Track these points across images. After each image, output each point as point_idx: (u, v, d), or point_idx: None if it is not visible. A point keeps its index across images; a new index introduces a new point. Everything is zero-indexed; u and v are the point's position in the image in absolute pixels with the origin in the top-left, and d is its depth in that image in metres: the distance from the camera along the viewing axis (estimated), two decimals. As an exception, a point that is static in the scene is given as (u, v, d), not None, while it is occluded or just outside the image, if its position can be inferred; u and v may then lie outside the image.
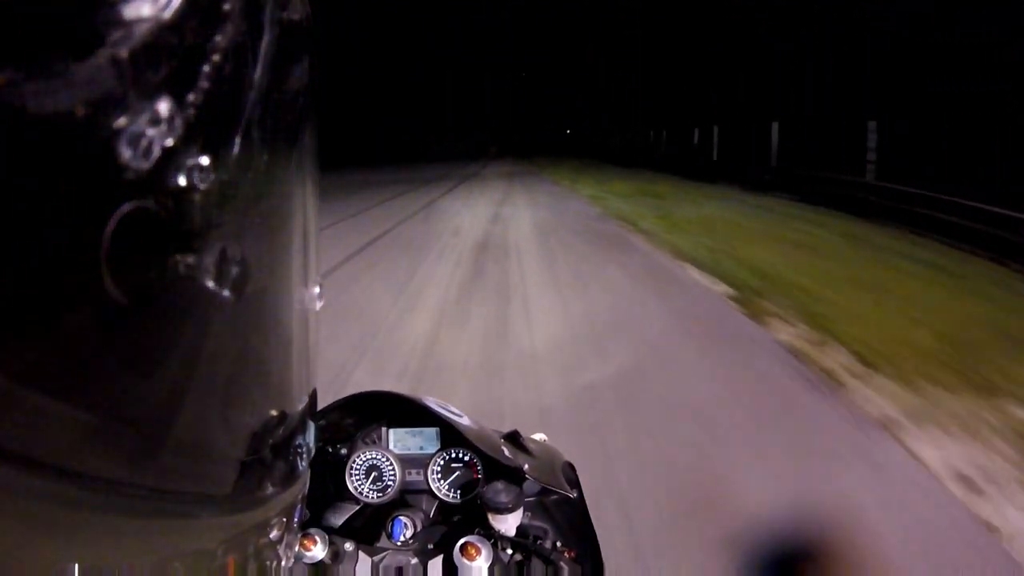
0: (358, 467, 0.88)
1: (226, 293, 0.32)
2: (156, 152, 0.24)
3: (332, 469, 0.87)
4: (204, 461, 0.33)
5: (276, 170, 0.38)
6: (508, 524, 0.73)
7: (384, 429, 0.91)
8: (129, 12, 0.23)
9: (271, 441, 0.43)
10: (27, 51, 0.19)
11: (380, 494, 0.86)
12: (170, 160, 0.25)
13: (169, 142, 0.25)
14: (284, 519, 0.47)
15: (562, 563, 0.72)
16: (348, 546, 0.77)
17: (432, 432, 0.90)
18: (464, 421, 0.86)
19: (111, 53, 0.22)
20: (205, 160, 0.28)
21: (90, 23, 0.22)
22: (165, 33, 0.24)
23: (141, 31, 0.23)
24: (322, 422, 0.84)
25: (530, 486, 0.82)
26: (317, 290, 0.51)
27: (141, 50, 0.23)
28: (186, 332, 0.30)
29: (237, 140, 0.31)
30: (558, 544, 0.76)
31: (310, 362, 0.49)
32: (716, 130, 18.02)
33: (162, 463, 0.29)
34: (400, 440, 0.90)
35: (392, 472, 0.87)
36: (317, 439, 0.82)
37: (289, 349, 0.44)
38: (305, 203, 0.44)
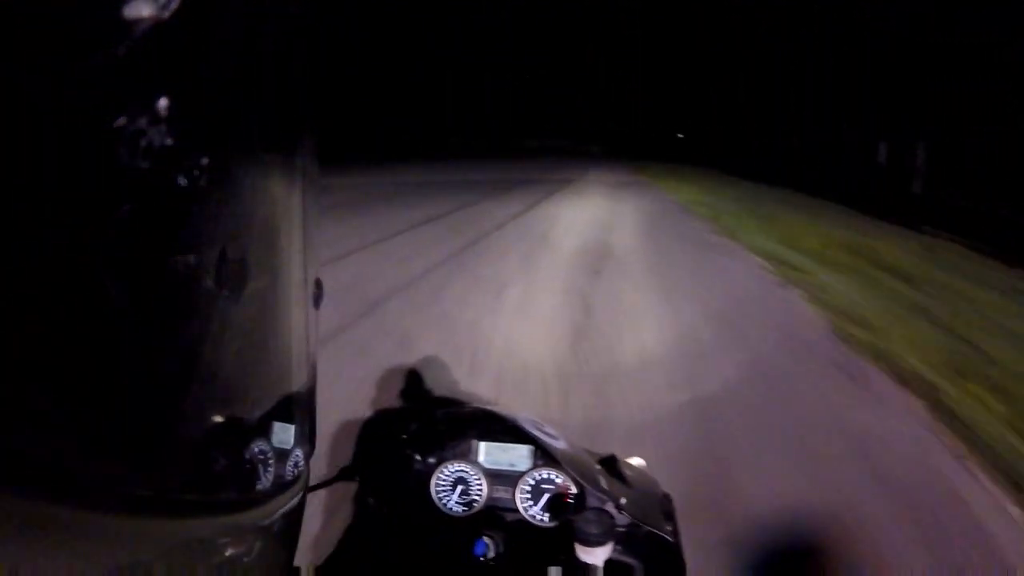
0: (444, 479, 0.85)
1: (226, 293, 0.32)
2: (156, 152, 0.24)
3: (416, 480, 0.85)
4: (202, 461, 0.34)
5: (276, 170, 0.38)
6: (596, 557, 0.70)
7: (475, 442, 0.88)
8: (129, 13, 0.23)
9: (271, 441, 0.43)
10: (27, 51, 0.19)
11: (465, 508, 0.84)
12: (170, 160, 0.25)
13: (169, 142, 0.25)
14: (284, 519, 0.47)
15: None
16: (426, 562, 0.77)
17: (525, 450, 0.86)
18: (559, 443, 0.83)
19: (111, 53, 0.22)
20: (205, 160, 0.28)
21: (90, 23, 0.22)
22: (165, 34, 0.24)
23: (141, 32, 0.23)
24: (413, 426, 0.84)
25: (622, 517, 0.78)
26: (317, 291, 0.51)
27: (141, 50, 0.23)
28: (185, 332, 0.30)
29: (237, 140, 0.31)
30: None
31: (310, 362, 0.49)
32: (921, 147, 11.50)
33: (160, 463, 0.29)
34: (491, 454, 0.87)
35: (479, 486, 0.85)
36: (409, 448, 0.82)
37: (289, 349, 0.44)
38: (305, 203, 0.44)
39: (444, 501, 0.84)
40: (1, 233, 0.20)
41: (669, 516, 0.84)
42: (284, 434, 0.45)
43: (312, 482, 0.57)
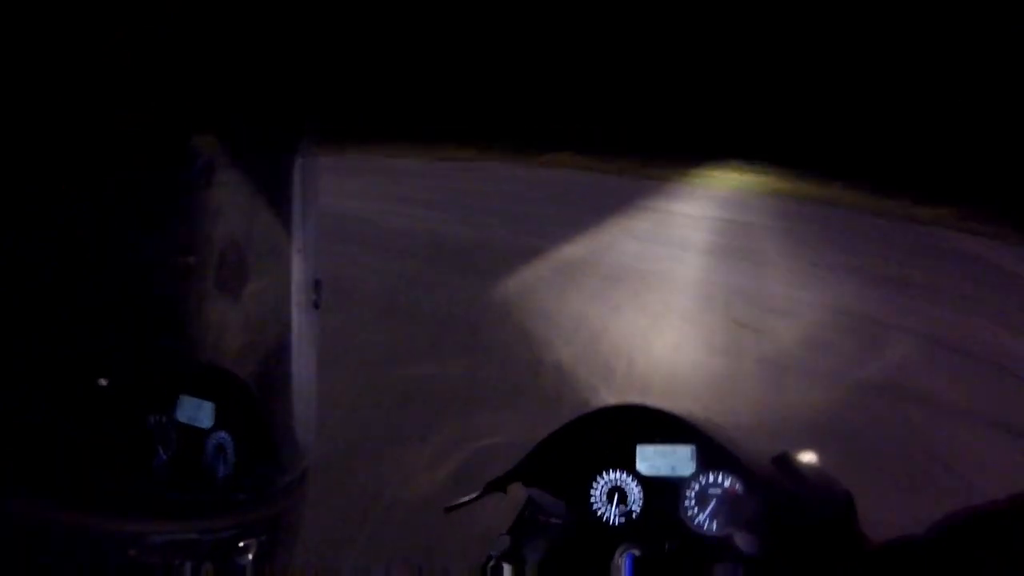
0: (600, 487, 0.79)
1: (226, 293, 0.32)
2: (156, 152, 0.25)
3: (573, 490, 0.80)
4: (202, 461, 0.34)
5: (276, 172, 0.38)
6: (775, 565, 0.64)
7: (632, 446, 0.81)
8: (131, 14, 0.23)
9: (272, 441, 0.43)
10: (29, 52, 0.20)
11: (623, 519, 0.78)
12: (170, 160, 0.26)
13: (169, 142, 0.25)
14: (286, 517, 0.47)
15: None
16: None
17: (687, 451, 0.79)
18: (724, 441, 0.77)
19: (112, 54, 0.22)
20: (205, 160, 0.28)
21: (92, 25, 0.22)
22: (166, 34, 0.24)
23: (143, 32, 0.23)
24: (567, 431, 0.79)
25: (799, 520, 0.72)
26: (317, 291, 0.51)
27: (142, 51, 0.23)
28: (185, 332, 0.30)
29: (238, 140, 0.31)
30: None
31: (310, 362, 0.50)
32: None
33: (159, 463, 0.29)
34: (650, 459, 0.80)
35: (638, 496, 0.78)
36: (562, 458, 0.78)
37: (289, 348, 0.45)
38: (305, 205, 0.44)
39: (602, 512, 0.78)
40: (2, 233, 0.20)
41: (851, 514, 0.80)
42: (285, 434, 0.45)
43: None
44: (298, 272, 0.45)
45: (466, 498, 0.76)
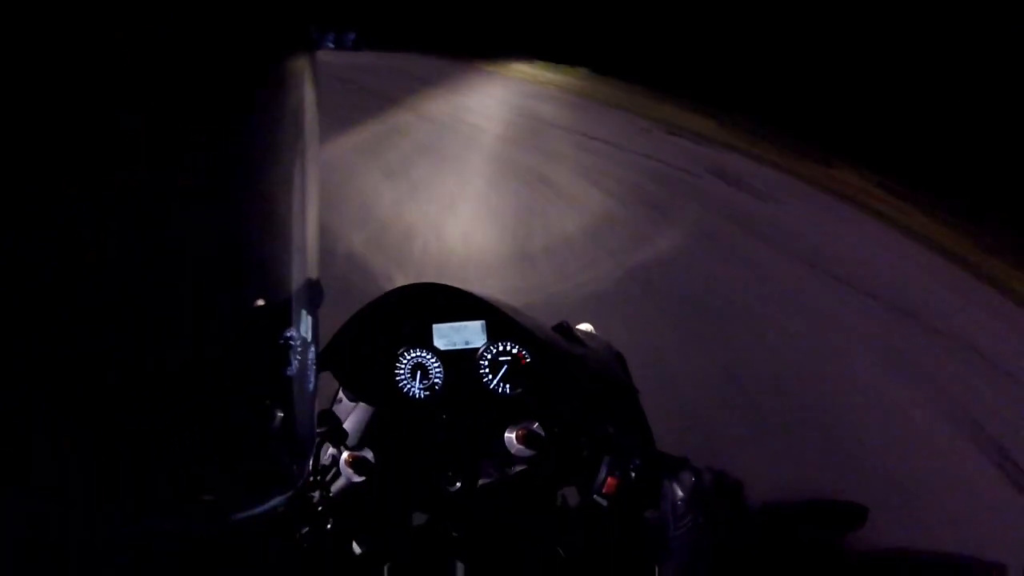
0: (404, 366, 0.86)
1: (226, 293, 0.32)
2: (156, 152, 0.25)
3: (377, 370, 0.86)
4: (205, 459, 0.34)
5: (277, 170, 0.38)
6: (562, 415, 0.72)
7: (428, 325, 0.89)
8: (131, 14, 0.23)
9: (274, 439, 0.43)
10: (30, 52, 0.20)
11: (427, 392, 0.85)
12: (170, 160, 0.26)
13: (169, 142, 0.25)
14: (287, 514, 0.47)
15: (614, 456, 0.71)
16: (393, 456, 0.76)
17: (477, 325, 0.88)
18: (511, 313, 0.84)
19: (112, 53, 0.22)
20: (206, 160, 0.28)
21: (92, 25, 0.22)
22: (167, 35, 0.24)
23: (143, 33, 0.23)
24: (366, 314, 0.83)
25: (582, 376, 0.80)
26: (317, 292, 0.51)
27: (142, 52, 0.23)
28: (186, 332, 0.30)
29: (238, 140, 0.31)
30: (612, 432, 0.76)
31: (310, 360, 0.50)
32: None
33: (163, 461, 0.29)
34: (444, 336, 0.88)
35: (438, 369, 0.86)
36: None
37: (288, 349, 0.45)
38: (305, 203, 0.44)
39: (407, 388, 0.86)
40: (3, 234, 0.20)
41: (624, 370, 0.88)
42: (287, 432, 0.46)
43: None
44: (298, 272, 0.45)
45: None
